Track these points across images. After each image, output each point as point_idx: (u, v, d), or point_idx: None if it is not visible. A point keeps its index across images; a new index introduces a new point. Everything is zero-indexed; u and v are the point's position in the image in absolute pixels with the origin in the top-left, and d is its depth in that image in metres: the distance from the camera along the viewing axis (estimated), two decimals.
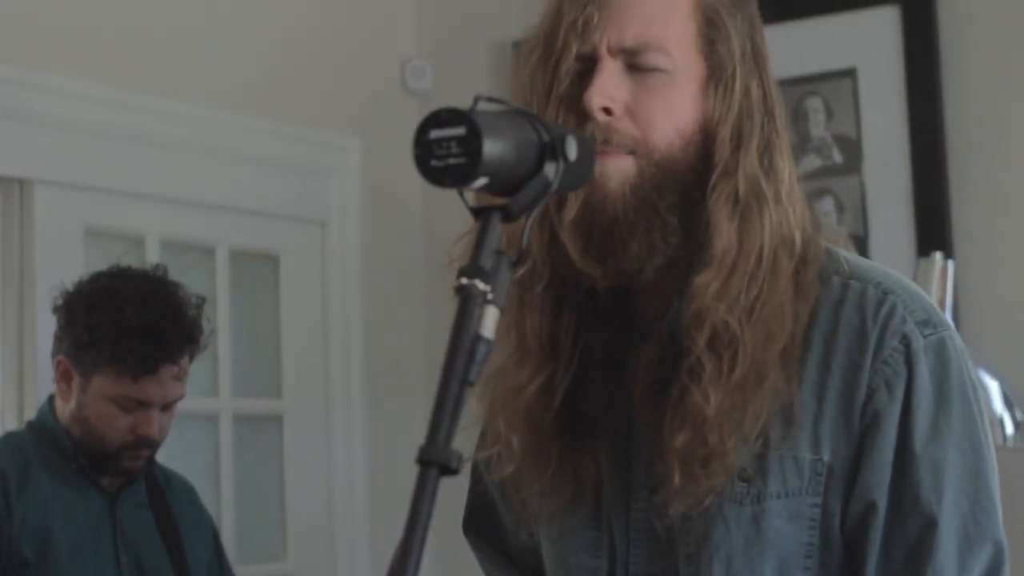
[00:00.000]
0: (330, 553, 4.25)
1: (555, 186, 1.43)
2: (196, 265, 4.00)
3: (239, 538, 4.03)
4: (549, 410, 1.69)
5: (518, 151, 1.39)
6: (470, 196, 1.44)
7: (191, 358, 3.04)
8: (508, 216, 1.40)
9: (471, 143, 1.34)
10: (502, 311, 1.34)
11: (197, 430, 3.99)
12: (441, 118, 1.36)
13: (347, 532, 4.27)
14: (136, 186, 3.82)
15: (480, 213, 1.39)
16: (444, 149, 1.35)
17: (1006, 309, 3.66)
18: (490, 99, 1.42)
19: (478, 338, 1.32)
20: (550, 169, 1.42)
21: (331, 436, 4.27)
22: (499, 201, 1.41)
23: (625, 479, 1.70)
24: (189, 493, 3.26)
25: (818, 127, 3.97)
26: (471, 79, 4.44)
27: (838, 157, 3.96)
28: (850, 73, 3.97)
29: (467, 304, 1.33)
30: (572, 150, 1.44)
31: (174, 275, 3.11)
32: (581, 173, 1.49)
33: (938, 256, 3.41)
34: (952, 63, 3.87)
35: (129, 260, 3.16)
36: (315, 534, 4.23)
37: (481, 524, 1.92)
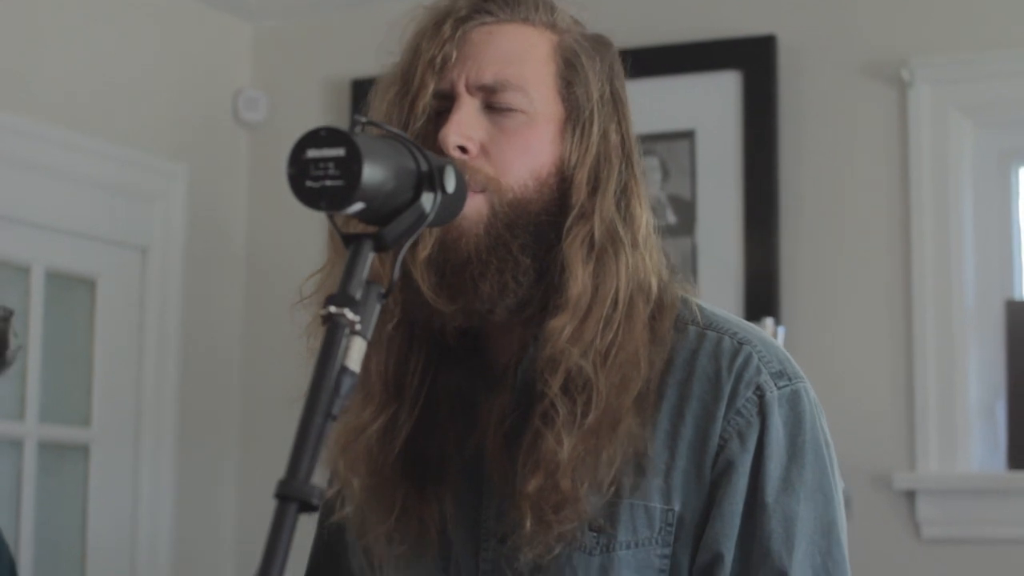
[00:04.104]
0: None
1: (431, 218, 1.38)
2: (10, 283, 3.86)
3: (37, 570, 3.88)
4: (391, 453, 1.65)
5: (397, 178, 1.34)
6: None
7: None
8: (380, 245, 1.34)
9: (350, 166, 1.29)
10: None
11: None
12: (320, 137, 1.29)
13: (149, 569, 4.14)
14: None
15: (351, 240, 1.33)
16: (321, 170, 1.29)
17: (833, 377, 3.68)
18: (370, 123, 1.36)
19: (344, 370, 1.27)
20: (427, 200, 1.37)
21: (138, 469, 4.15)
22: (371, 229, 1.36)
23: (474, 526, 1.67)
24: None
25: (654, 187, 3.96)
26: (306, 114, 4.38)
27: (671, 218, 3.96)
28: (688, 135, 3.98)
29: (334, 334, 1.27)
30: (451, 182, 1.39)
31: None
32: (455, 208, 1.45)
33: (769, 322, 3.43)
34: (789, 131, 3.90)
35: None
36: (116, 569, 4.09)
37: (326, 567, 1.85)
